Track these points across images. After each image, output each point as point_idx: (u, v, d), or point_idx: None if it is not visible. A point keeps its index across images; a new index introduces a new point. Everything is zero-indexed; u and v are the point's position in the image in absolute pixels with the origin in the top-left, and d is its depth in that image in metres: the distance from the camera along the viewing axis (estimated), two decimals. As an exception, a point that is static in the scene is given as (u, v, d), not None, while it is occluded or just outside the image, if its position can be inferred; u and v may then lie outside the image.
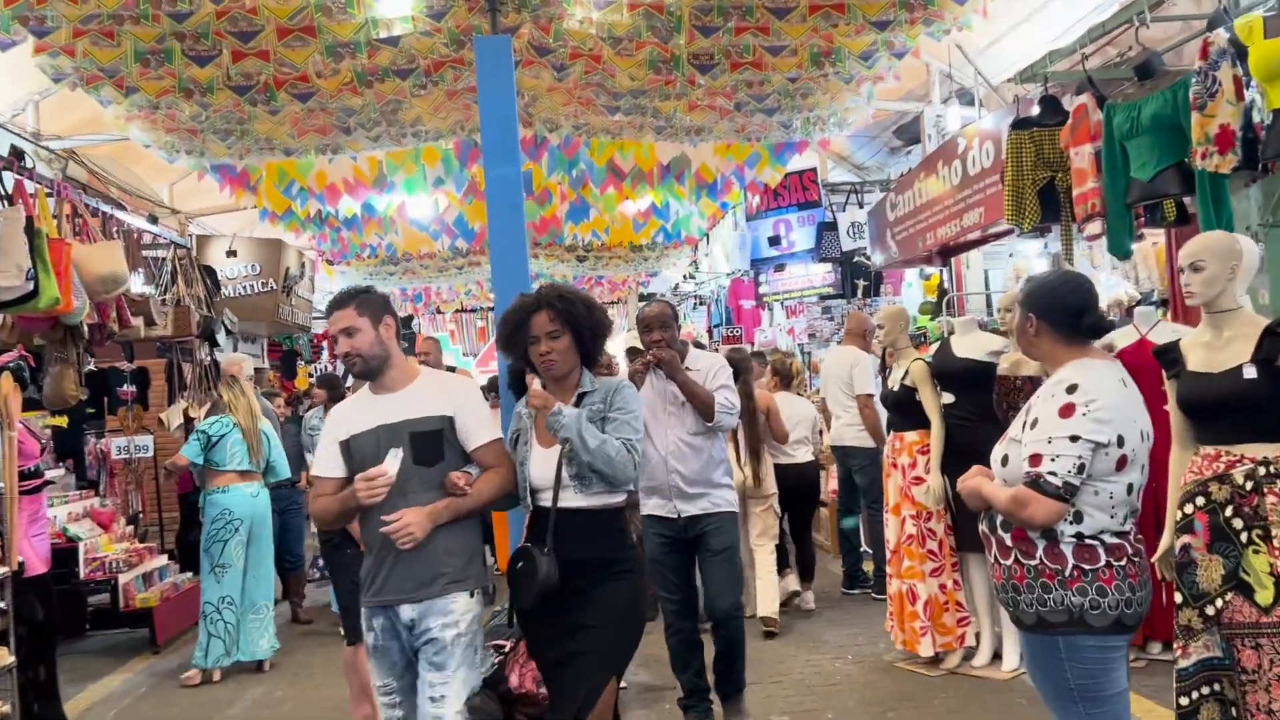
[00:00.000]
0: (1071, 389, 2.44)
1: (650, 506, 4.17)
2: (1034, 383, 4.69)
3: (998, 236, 7.56)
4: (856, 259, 10.75)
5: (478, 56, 5.04)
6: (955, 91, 8.19)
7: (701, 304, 14.15)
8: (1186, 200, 4.59)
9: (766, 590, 5.84)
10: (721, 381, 4.14)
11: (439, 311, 22.81)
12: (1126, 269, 6.64)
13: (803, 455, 6.48)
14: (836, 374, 6.68)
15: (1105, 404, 2.41)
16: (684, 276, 14.33)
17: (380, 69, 5.98)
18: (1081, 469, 2.38)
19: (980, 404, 4.79)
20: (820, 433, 8.12)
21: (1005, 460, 2.56)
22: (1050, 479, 2.38)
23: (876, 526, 6.52)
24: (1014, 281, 8.19)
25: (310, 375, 13.85)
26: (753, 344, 11.26)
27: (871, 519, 6.57)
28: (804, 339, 10.61)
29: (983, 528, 2.65)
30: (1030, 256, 8.27)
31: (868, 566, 6.81)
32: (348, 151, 7.71)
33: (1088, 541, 2.42)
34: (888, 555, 5.14)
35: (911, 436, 4.98)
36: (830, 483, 7.79)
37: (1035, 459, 2.41)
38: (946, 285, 8.64)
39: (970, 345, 4.80)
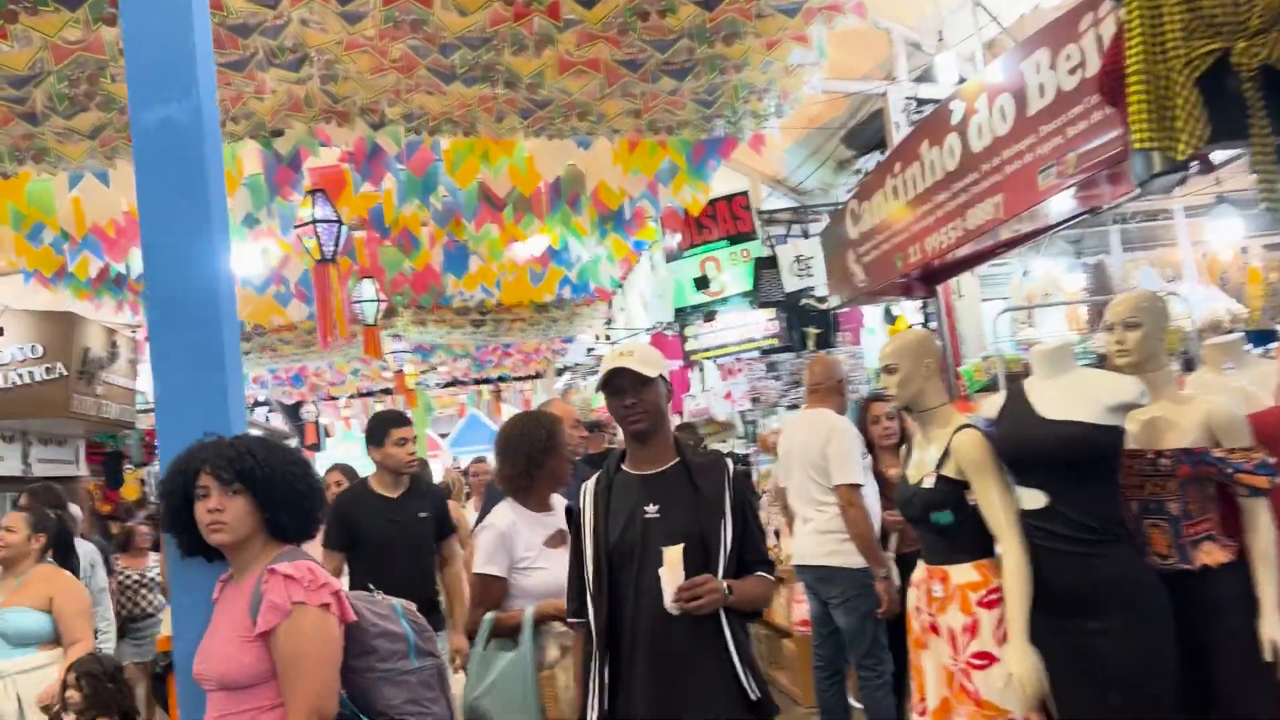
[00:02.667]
0: None
1: None
2: (1193, 458, 2.41)
3: (1013, 244, 5.39)
4: (804, 301, 8.56)
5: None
6: (939, 51, 6.08)
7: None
8: None
9: None
10: None
11: (330, 398, 20.22)
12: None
13: None
14: (803, 451, 4.33)
15: None
16: (596, 337, 12.04)
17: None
18: None
19: (1097, 507, 2.50)
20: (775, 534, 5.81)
21: None
22: None
23: (874, 694, 4.16)
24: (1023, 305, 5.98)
25: (142, 482, 11.20)
26: (681, 414, 8.97)
27: (865, 683, 4.19)
28: (745, 404, 8.33)
29: None
30: (1056, 276, 6.06)
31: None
32: (67, 161, 5.29)
33: None
34: (931, 795, 2.77)
35: (963, 574, 2.65)
36: (795, 611, 5.41)
37: None
38: (934, 328, 6.44)
39: (1070, 395, 2.53)
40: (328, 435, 23.51)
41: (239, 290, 9.28)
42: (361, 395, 19.66)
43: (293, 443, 18.70)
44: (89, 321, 9.13)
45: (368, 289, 8.62)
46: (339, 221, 5.66)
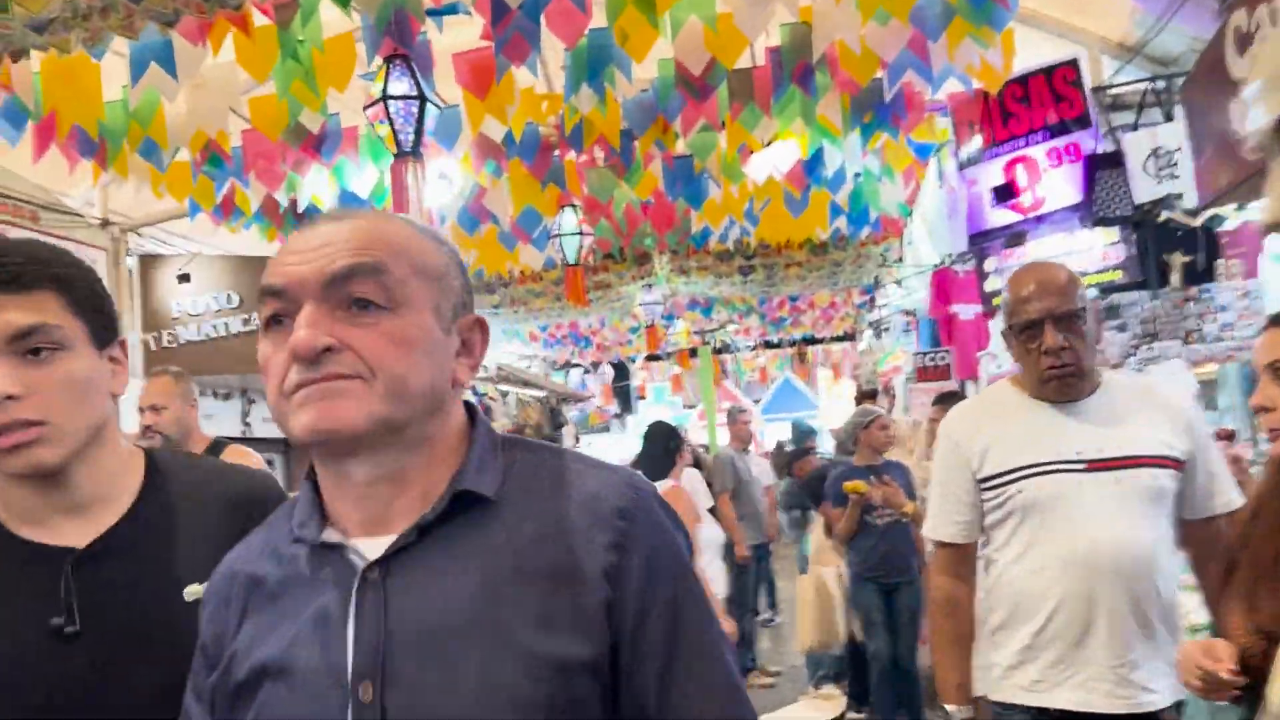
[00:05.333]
0: None
1: None
2: None
3: None
4: (1165, 216, 5.84)
5: None
6: None
7: (912, 321, 9.40)
8: None
9: None
10: None
11: (622, 361, 19.14)
12: None
13: None
14: None
15: None
16: (875, 281, 9.63)
17: None
18: None
19: None
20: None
21: None
22: None
23: None
24: None
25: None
26: (975, 378, 6.50)
27: None
28: (1068, 365, 5.79)
29: None
30: None
31: None
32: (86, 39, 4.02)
33: None
34: None
35: None
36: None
37: None
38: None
39: None
40: (640, 398, 22.66)
41: (451, 228, 8.03)
42: (653, 359, 18.44)
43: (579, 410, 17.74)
44: (295, 267, 8.28)
45: (568, 219, 7.01)
46: (420, 98, 4.00)
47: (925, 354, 6.93)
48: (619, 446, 20.58)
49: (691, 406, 21.77)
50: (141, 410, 3.14)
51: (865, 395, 10.15)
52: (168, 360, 7.65)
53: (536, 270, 9.89)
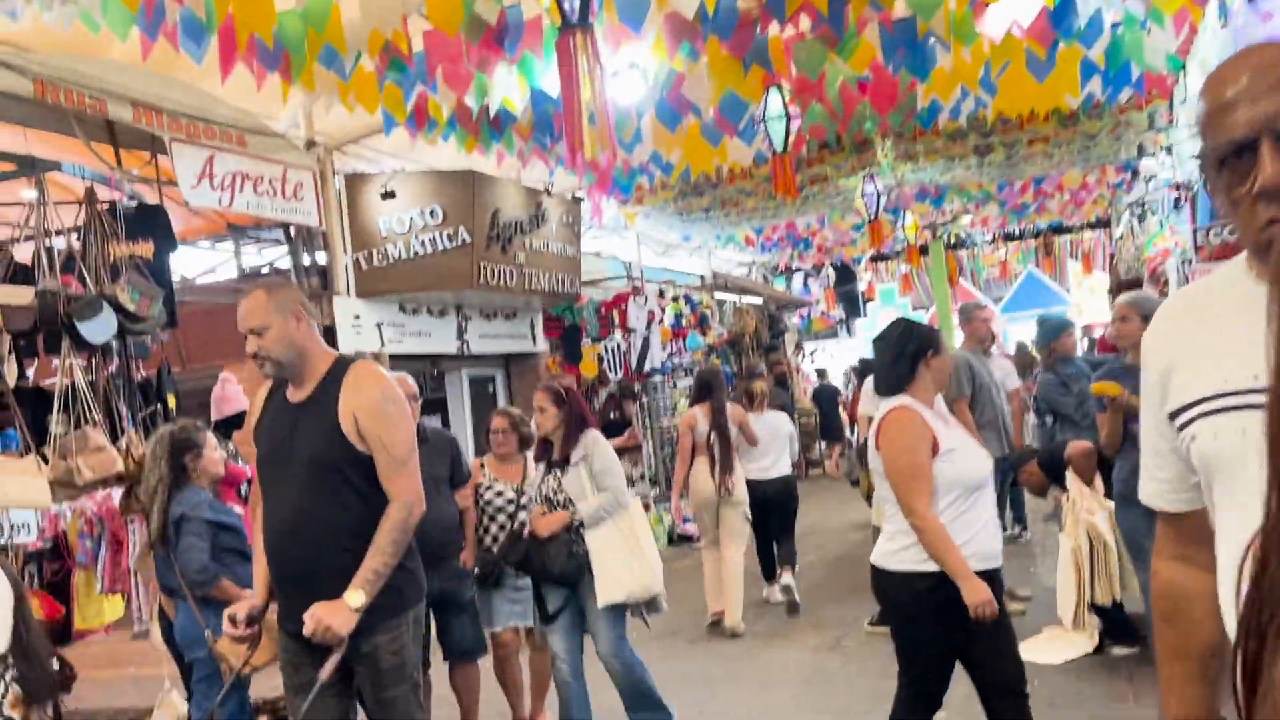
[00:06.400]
0: None
1: None
2: None
3: None
4: None
5: None
6: None
7: (1184, 195, 8.01)
8: None
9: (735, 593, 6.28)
10: None
11: (845, 262, 18.11)
12: None
13: (777, 471, 6.85)
14: None
15: None
16: (1139, 149, 8.24)
17: None
18: None
19: None
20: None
21: None
22: None
23: None
24: None
25: (599, 358, 10.26)
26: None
27: None
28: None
29: None
30: None
31: None
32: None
33: None
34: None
35: None
36: None
37: None
38: None
39: None
40: (867, 300, 21.61)
41: (650, 124, 7.50)
42: (879, 258, 17.35)
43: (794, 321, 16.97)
44: (497, 180, 8.02)
45: (774, 102, 6.31)
46: (583, -44, 3.46)
47: (1208, 229, 5.79)
48: (847, 353, 19.69)
49: (924, 308, 20.49)
50: (244, 336, 2.76)
51: (1126, 284, 8.93)
52: (379, 280, 7.66)
53: (746, 167, 9.25)
